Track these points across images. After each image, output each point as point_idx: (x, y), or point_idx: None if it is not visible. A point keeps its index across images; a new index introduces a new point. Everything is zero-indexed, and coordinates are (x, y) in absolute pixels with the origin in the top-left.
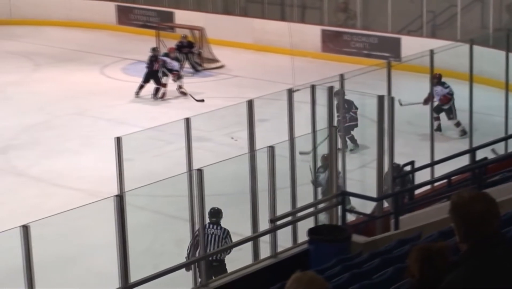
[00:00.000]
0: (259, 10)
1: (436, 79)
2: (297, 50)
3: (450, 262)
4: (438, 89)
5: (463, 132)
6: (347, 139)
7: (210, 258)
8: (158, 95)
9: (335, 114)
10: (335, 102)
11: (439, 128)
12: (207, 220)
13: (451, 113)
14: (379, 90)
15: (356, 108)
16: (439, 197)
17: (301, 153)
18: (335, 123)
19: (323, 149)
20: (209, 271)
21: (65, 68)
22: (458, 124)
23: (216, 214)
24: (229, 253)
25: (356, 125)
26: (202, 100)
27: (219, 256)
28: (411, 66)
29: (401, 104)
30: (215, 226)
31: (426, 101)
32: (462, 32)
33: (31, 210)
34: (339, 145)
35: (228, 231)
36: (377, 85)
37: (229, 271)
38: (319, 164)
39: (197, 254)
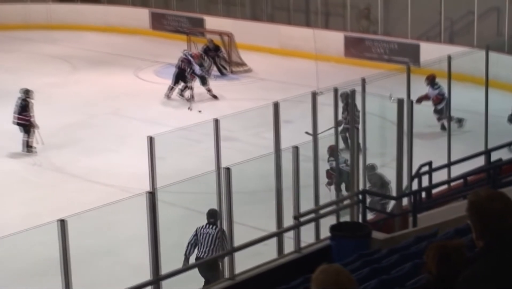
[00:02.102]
0: (285, 17)
1: (428, 81)
2: (321, 55)
3: (466, 259)
4: (430, 90)
5: (458, 121)
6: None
7: (202, 257)
8: (184, 94)
9: (353, 115)
10: (340, 104)
11: (443, 128)
12: (206, 220)
13: (442, 113)
14: (399, 94)
15: (358, 111)
16: (455, 196)
17: (306, 133)
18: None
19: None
20: (203, 270)
21: (101, 71)
22: (450, 118)
23: (214, 214)
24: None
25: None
26: (189, 108)
27: (212, 256)
28: (430, 71)
29: (391, 97)
30: (211, 226)
31: (419, 100)
32: (479, 38)
33: (68, 205)
34: (342, 145)
35: (223, 231)
36: (397, 89)
37: (255, 265)
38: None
39: (195, 253)
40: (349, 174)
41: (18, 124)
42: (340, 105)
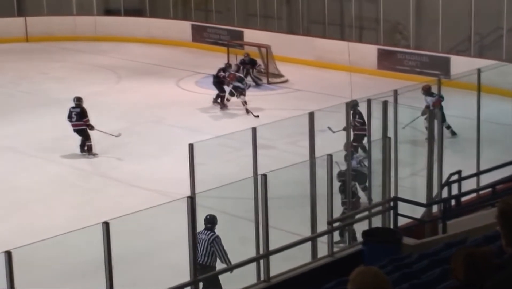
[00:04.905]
0: (320, 30)
1: (425, 91)
2: (355, 67)
3: (493, 265)
4: (428, 99)
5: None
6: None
7: (198, 262)
8: (222, 102)
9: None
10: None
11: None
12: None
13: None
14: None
15: (360, 118)
16: (484, 204)
17: (328, 128)
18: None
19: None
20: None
21: (145, 81)
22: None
23: (211, 220)
24: (224, 261)
25: (362, 135)
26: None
27: (206, 262)
28: (460, 83)
29: (403, 127)
30: (207, 232)
31: (423, 113)
32: (507, 52)
33: (112, 208)
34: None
35: (216, 237)
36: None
37: (289, 268)
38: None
39: (200, 254)
40: (365, 174)
41: (76, 130)
42: (373, 115)
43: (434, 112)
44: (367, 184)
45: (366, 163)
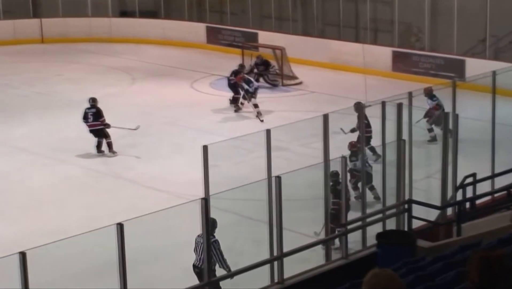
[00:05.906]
0: (335, 32)
1: (425, 93)
2: (370, 69)
3: (508, 268)
4: (429, 102)
5: (433, 139)
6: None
7: (195, 264)
8: (236, 104)
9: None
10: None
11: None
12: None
13: (436, 121)
14: (445, 108)
15: (365, 120)
16: (499, 207)
17: (341, 129)
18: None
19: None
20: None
21: (159, 82)
22: (430, 130)
23: (211, 224)
24: (222, 266)
25: (367, 137)
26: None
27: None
28: (475, 86)
29: (416, 122)
30: None
31: (426, 115)
32: None
33: (126, 209)
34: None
35: (213, 241)
36: (442, 102)
37: (303, 270)
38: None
39: (198, 258)
40: (370, 174)
41: (93, 131)
42: (388, 117)
43: (447, 116)
44: (373, 184)
45: (371, 163)
